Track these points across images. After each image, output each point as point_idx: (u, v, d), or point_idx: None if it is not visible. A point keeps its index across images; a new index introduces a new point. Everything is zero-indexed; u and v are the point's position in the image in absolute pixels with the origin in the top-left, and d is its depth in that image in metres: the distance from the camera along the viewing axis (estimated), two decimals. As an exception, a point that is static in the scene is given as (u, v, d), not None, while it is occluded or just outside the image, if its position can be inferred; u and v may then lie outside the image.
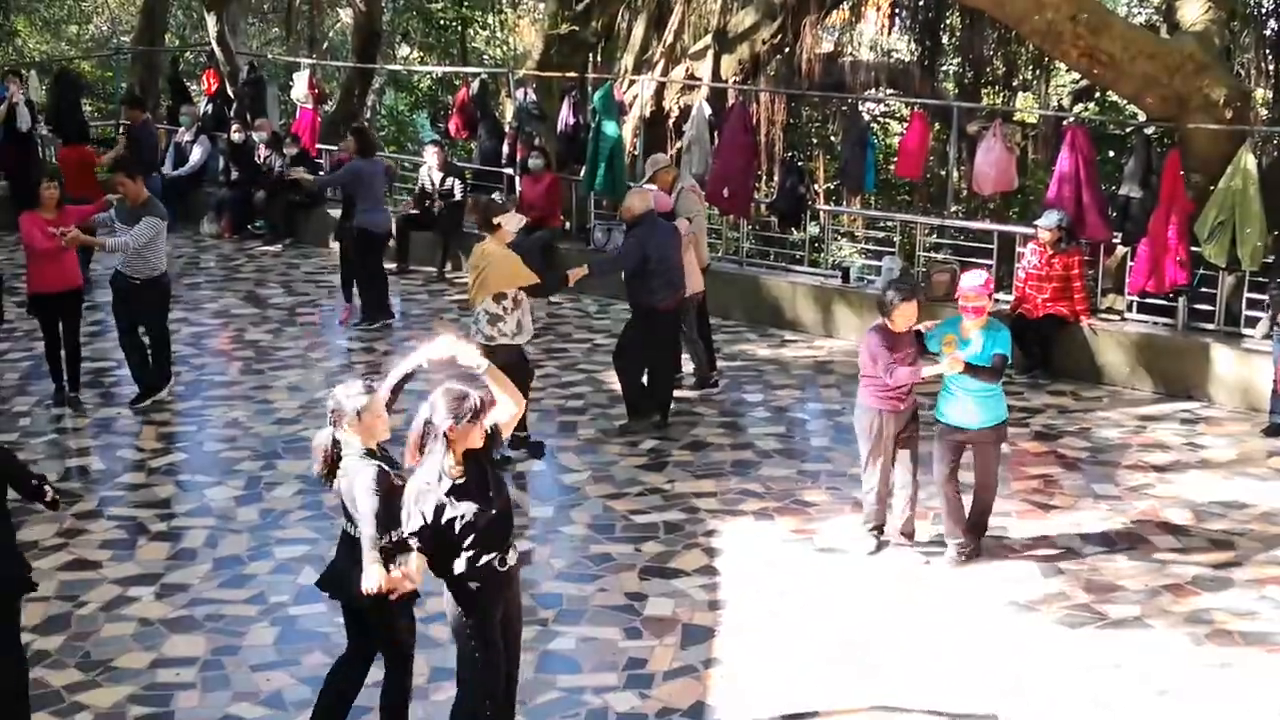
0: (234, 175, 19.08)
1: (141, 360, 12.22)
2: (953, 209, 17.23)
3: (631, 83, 19.45)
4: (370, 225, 15.02)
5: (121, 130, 18.31)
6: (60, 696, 7.44)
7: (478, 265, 10.50)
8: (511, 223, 10.62)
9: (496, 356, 10.36)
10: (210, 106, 21.22)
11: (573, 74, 18.72)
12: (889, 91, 24.02)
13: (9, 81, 19.69)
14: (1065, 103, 25.16)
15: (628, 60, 21.38)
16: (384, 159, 16.34)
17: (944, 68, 25.71)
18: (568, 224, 16.94)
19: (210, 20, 23.13)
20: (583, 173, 16.43)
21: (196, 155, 19.38)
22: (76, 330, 12.28)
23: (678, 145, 18.44)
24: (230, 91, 21.75)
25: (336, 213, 18.61)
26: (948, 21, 24.13)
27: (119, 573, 8.92)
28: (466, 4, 30.81)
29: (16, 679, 6.86)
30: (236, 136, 18.82)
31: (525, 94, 18.17)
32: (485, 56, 32.55)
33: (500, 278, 10.40)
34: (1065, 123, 14.80)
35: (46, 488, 7.01)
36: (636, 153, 17.72)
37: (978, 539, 9.06)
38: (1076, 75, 21.88)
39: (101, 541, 9.41)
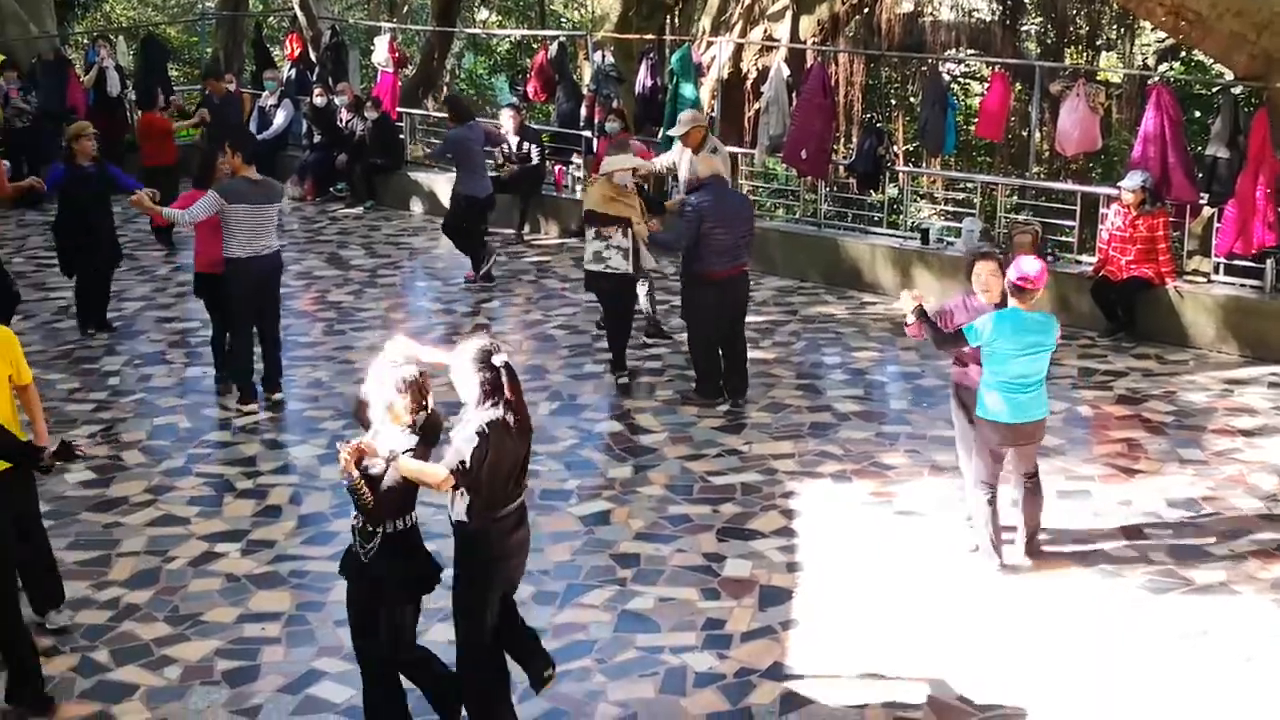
0: (316, 139, 19.23)
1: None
2: (1034, 170, 17.07)
3: (709, 44, 19.37)
4: (473, 191, 15.06)
5: (201, 101, 18.48)
6: (150, 649, 7.57)
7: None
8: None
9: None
10: (293, 71, 21.40)
11: (651, 36, 18.70)
12: (970, 52, 23.78)
13: (99, 47, 20.04)
14: (1150, 62, 24.87)
15: (705, 22, 21.28)
16: (482, 123, 16.24)
17: (1026, 27, 25.44)
18: (645, 185, 16.91)
19: (293, -15, 23.33)
20: (660, 135, 16.42)
21: (279, 119, 19.53)
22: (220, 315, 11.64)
23: (755, 106, 18.37)
24: (312, 56, 21.91)
25: (417, 176, 18.83)
26: (1030, -21, 23.89)
27: (206, 529, 9.05)
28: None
29: None
30: (319, 100, 18.95)
31: (603, 56, 18.17)
32: (563, 19, 32.55)
33: None
34: (1150, 82, 14.59)
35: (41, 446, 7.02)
36: (714, 114, 17.68)
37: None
38: (1162, 34, 21.56)
39: (189, 498, 9.55)
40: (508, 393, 6.10)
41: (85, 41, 25.41)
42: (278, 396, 11.47)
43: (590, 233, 11.70)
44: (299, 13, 23.01)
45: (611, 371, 11.99)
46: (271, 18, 30.29)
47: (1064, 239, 14.18)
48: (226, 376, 11.58)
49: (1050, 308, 11.25)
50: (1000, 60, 18.18)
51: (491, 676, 6.48)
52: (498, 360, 6.10)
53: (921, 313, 8.17)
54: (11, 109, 18.68)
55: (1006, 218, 14.97)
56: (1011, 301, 8.03)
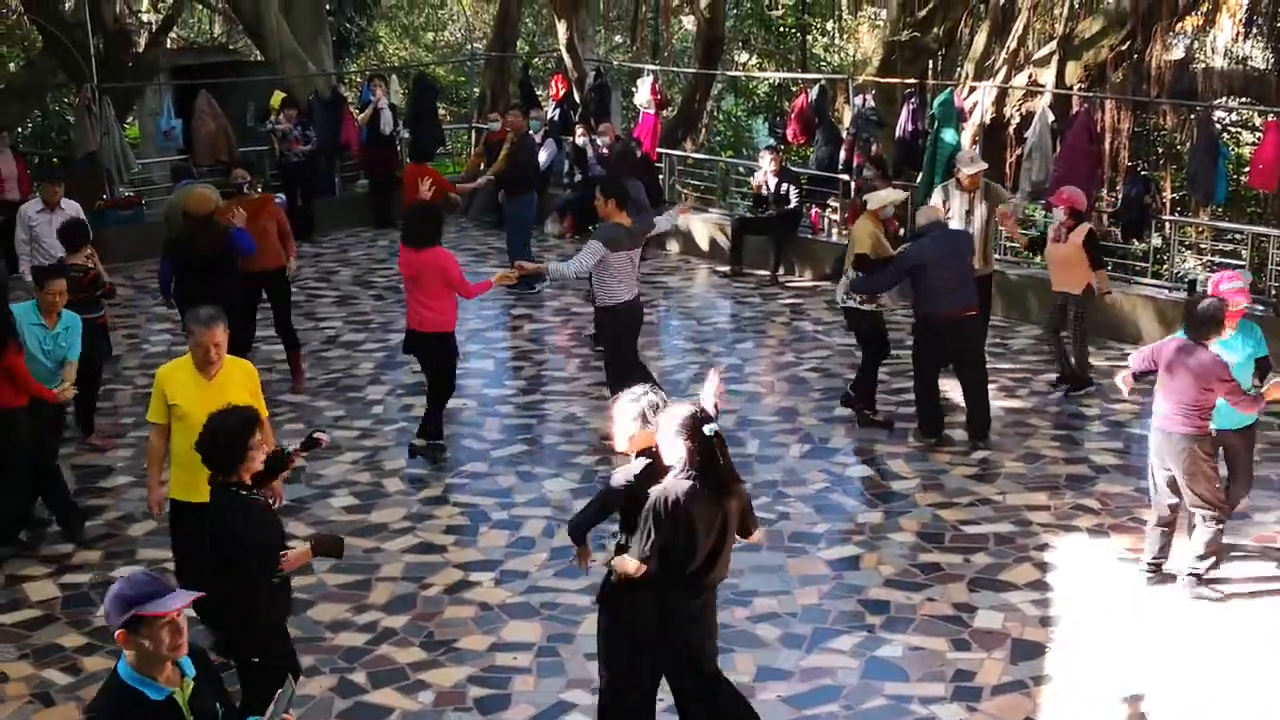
0: (578, 177, 19.58)
1: None
2: (1309, 222, 16.48)
3: (972, 89, 19.21)
4: None
5: (484, 140, 18.60)
6: (405, 674, 7.82)
7: None
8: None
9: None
10: (557, 111, 21.85)
11: (913, 80, 18.62)
12: (1242, 100, 23.05)
13: (374, 86, 20.73)
14: None
15: (969, 67, 21.11)
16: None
17: (1302, 76, 24.55)
18: (902, 229, 16.82)
19: (560, 27, 23.86)
20: (919, 179, 16.33)
21: (542, 158, 19.89)
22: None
23: (1017, 152, 18.13)
24: (576, 97, 22.35)
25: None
26: (1308, 27, 23.05)
27: (461, 557, 9.31)
28: (806, 11, 30.92)
29: None
30: (581, 140, 19.31)
31: (864, 100, 18.14)
32: (824, 63, 32.58)
33: None
34: None
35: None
36: (976, 160, 17.49)
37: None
38: None
39: (446, 526, 9.84)
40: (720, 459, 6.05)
41: (359, 80, 26.36)
42: None
43: (855, 274, 11.56)
44: (565, 54, 23.53)
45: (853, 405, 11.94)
46: (538, 59, 31.00)
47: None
48: None
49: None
50: (1275, 109, 17.56)
51: None
52: (708, 430, 6.02)
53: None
54: (288, 143, 19.42)
55: (1277, 270, 14.47)
56: None
